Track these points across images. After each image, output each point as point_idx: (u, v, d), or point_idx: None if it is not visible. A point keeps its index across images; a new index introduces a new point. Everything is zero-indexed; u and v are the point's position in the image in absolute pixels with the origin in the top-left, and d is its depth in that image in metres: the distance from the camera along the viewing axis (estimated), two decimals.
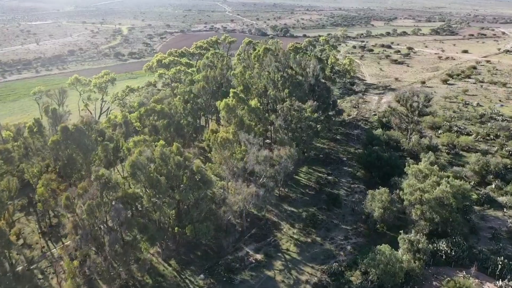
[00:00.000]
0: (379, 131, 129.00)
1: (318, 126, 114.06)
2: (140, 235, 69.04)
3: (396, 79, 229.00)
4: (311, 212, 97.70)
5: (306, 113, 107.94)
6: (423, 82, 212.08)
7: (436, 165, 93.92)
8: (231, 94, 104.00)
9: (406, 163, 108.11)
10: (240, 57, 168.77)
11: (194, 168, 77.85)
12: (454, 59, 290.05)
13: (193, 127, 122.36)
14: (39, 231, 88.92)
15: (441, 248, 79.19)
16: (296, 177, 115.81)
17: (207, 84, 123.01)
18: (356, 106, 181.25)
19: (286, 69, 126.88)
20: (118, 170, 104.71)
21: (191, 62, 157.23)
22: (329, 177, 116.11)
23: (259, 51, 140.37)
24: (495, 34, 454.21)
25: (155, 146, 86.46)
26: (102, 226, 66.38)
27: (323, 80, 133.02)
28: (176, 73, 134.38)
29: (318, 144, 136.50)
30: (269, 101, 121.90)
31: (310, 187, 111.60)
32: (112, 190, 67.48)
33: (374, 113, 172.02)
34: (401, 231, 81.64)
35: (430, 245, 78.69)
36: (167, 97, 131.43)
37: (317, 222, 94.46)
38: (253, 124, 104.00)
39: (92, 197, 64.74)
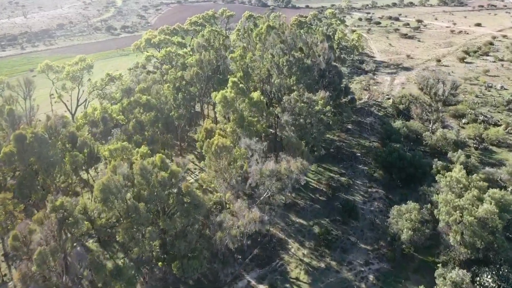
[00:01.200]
0: (398, 123, 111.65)
1: (330, 120, 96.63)
2: (114, 281, 53.10)
3: (408, 56, 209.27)
4: (323, 226, 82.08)
5: (317, 106, 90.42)
6: (439, 61, 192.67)
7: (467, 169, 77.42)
8: (229, 84, 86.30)
9: (433, 165, 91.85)
10: (240, 34, 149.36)
11: (183, 189, 61.31)
12: (467, 33, 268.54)
13: (185, 119, 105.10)
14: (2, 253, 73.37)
15: (486, 284, 63.66)
16: (304, 177, 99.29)
17: (201, 69, 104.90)
18: (367, 88, 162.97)
19: (293, 51, 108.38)
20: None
21: (184, 41, 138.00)
22: (342, 178, 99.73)
23: (261, 29, 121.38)
24: (505, 5, 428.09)
25: (137, 153, 69.67)
26: (60, 275, 50.37)
27: (334, 63, 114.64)
28: (166, 56, 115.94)
29: (327, 136, 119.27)
30: (273, 89, 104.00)
31: (321, 191, 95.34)
32: (73, 226, 51.07)
33: (387, 96, 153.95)
34: (437, 263, 66.08)
35: (472, 282, 63.18)
36: (156, 83, 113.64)
37: (331, 240, 78.77)
38: (255, 120, 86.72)
39: (46, 239, 48.41)
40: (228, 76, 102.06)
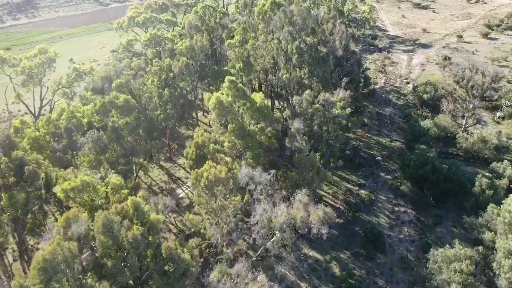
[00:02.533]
0: (428, 123, 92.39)
1: (349, 122, 77.58)
2: None
3: (424, 30, 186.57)
4: (344, 263, 65.13)
5: (336, 109, 71.31)
6: (460, 36, 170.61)
7: None
8: (226, 84, 66.84)
9: (477, 182, 73.61)
10: (239, 8, 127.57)
11: (163, 252, 43.44)
12: (485, 3, 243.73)
13: (174, 118, 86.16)
14: None
15: None
16: (318, 190, 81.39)
17: (192, 58, 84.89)
18: (383, 70, 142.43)
19: (303, 34, 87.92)
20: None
21: (174, 19, 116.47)
22: (362, 192, 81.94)
23: (264, 5, 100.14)
24: None
25: (106, 186, 51.64)
26: None
27: (352, 48, 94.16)
28: (151, 40, 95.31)
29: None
30: (280, 83, 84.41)
31: (338, 209, 77.64)
32: None
33: (406, 80, 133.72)
34: None
35: None
36: (141, 70, 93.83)
37: (354, 285, 61.84)
38: (259, 129, 67.90)
39: None
40: (226, 68, 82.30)
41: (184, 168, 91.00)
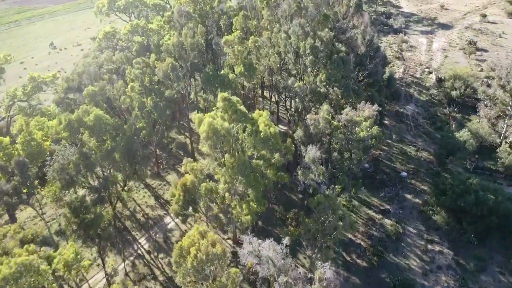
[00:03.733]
0: (464, 134, 75.99)
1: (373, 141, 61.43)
2: None
3: (442, 7, 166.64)
4: None
5: (361, 131, 55.27)
6: (484, 16, 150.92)
7: None
8: (220, 104, 50.39)
9: None
10: None
11: None
12: None
13: (160, 133, 70.19)
14: None
15: None
16: None
17: (181, 58, 67.90)
18: (400, 57, 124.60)
19: (316, 25, 70.75)
20: None
21: (163, 2, 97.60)
22: (387, 222, 67.16)
23: None
24: None
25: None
26: None
27: (376, 42, 76.49)
28: (132, 31, 77.61)
29: None
30: (289, 93, 68.00)
31: (359, 247, 63.07)
32: None
33: (427, 69, 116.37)
34: None
35: None
36: (124, 64, 77.22)
37: None
38: (263, 163, 52.12)
39: None
40: (223, 71, 65.57)
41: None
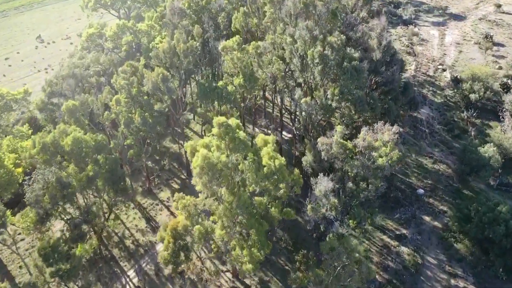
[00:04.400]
0: (489, 150, 67.40)
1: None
2: None
3: None
4: None
5: (380, 159, 47.16)
6: (498, 6, 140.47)
7: None
8: (215, 130, 42.11)
9: None
10: None
11: None
12: None
13: (150, 154, 61.99)
14: None
15: None
16: None
17: (172, 66, 59.21)
18: (411, 52, 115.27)
19: (326, 32, 61.96)
20: None
21: None
22: (404, 250, 59.73)
23: None
24: None
25: None
26: None
27: (393, 47, 67.30)
28: (118, 33, 68.38)
29: None
30: (294, 108, 59.54)
31: (374, 282, 55.55)
32: None
33: (440, 66, 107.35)
34: None
35: None
36: (113, 67, 68.60)
37: None
38: (266, 198, 44.19)
39: None
40: (220, 83, 56.94)
41: (168, 208, 68.08)
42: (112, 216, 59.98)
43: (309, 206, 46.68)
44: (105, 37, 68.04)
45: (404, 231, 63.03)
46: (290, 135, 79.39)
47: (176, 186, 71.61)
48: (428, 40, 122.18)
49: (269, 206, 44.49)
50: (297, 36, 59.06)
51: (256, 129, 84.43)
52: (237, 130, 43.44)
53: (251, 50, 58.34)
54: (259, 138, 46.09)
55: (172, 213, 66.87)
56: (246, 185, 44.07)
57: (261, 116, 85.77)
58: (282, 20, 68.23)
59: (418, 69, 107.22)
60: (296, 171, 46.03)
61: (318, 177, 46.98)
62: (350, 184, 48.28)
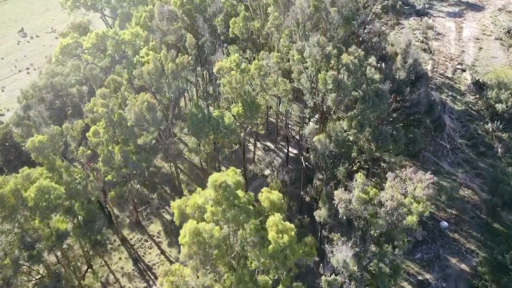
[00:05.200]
0: None
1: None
2: None
3: None
4: None
5: (411, 218, 38.03)
6: None
7: None
8: (210, 192, 32.91)
9: None
10: None
11: None
12: None
13: (135, 192, 52.66)
14: None
15: None
16: None
17: (159, 90, 49.32)
18: (427, 48, 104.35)
19: (341, 43, 52.15)
20: None
21: None
22: None
23: None
24: None
25: None
26: None
27: (420, 66, 56.97)
28: (97, 44, 57.70)
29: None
30: (306, 143, 49.99)
31: None
32: None
33: (459, 65, 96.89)
34: None
35: None
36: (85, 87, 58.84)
37: None
38: (272, 275, 35.34)
39: None
40: (216, 113, 47.17)
41: (158, 244, 59.41)
42: (92, 268, 51.41)
43: (323, 279, 37.95)
44: (83, 49, 57.70)
45: (427, 276, 54.57)
46: (296, 151, 69.90)
47: (168, 217, 62.82)
48: (444, 34, 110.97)
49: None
50: (306, 55, 48.96)
51: (258, 144, 74.95)
52: (238, 190, 34.27)
53: (253, 71, 48.35)
54: (263, 196, 36.80)
55: (162, 252, 58.39)
56: (247, 257, 35.17)
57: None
58: (288, 26, 57.96)
59: (434, 69, 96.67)
60: (309, 240, 37.10)
61: (335, 242, 38.14)
62: (373, 248, 39.33)
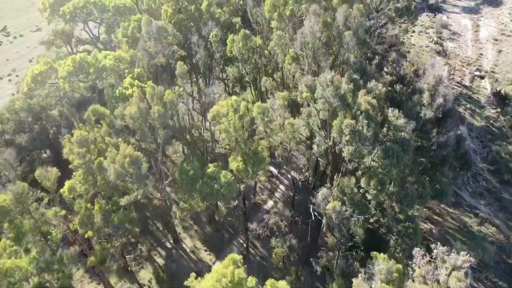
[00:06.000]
0: None
1: None
2: None
3: None
4: None
5: None
6: None
7: None
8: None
9: None
10: None
11: None
12: None
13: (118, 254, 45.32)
14: None
15: None
16: None
17: (143, 139, 41.49)
18: (442, 51, 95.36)
19: (356, 78, 44.12)
20: None
21: (132, 1, 66.28)
22: None
23: None
24: None
25: None
26: None
27: (451, 105, 48.57)
28: (76, 71, 48.96)
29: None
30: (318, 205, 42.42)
31: None
32: None
33: (477, 71, 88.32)
34: None
35: None
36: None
37: None
38: None
39: None
40: (210, 168, 39.53)
41: None
42: None
43: None
44: (57, 75, 48.99)
45: None
46: (302, 178, 61.86)
47: (160, 261, 55.98)
48: (459, 34, 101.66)
49: None
50: (318, 95, 40.91)
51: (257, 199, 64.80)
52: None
53: (255, 114, 40.40)
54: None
55: None
56: None
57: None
58: (296, 59, 49.58)
59: (451, 76, 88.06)
60: None
61: None
62: None
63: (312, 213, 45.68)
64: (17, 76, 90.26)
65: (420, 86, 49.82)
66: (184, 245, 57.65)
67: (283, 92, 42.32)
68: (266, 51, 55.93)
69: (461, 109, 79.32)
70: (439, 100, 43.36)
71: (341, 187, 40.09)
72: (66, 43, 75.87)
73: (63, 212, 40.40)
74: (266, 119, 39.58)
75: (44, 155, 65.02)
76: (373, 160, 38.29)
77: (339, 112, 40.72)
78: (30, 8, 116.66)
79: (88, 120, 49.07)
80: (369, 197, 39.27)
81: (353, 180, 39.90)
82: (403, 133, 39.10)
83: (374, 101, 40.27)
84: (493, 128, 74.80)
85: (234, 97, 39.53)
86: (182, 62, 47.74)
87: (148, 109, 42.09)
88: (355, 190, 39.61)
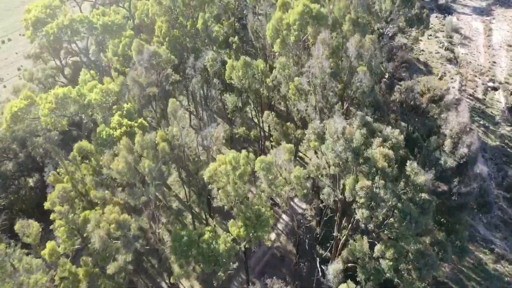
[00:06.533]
0: None
1: None
2: None
3: None
4: None
5: None
6: None
7: None
8: None
9: None
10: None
11: None
12: None
13: None
14: None
15: None
16: None
17: (131, 197, 36.69)
18: (453, 58, 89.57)
19: (370, 123, 39.11)
20: None
21: (122, 18, 60.11)
22: None
23: (286, 16, 49.04)
24: None
25: None
26: None
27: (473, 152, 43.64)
28: (59, 108, 43.69)
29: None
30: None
31: None
32: None
33: (490, 82, 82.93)
34: None
35: None
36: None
37: None
38: None
39: None
40: (206, 234, 35.08)
41: None
42: None
43: None
44: (39, 113, 43.75)
45: None
46: (307, 223, 57.17)
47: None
48: (471, 39, 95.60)
49: None
50: (327, 148, 36.00)
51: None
52: None
53: (257, 168, 35.55)
54: None
55: None
56: None
57: None
58: (301, 91, 44.47)
59: (463, 87, 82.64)
60: None
61: None
62: None
63: (318, 267, 41.31)
64: (4, 87, 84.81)
65: (439, 123, 44.89)
66: (181, 287, 53.55)
67: (288, 144, 37.23)
68: (268, 80, 50.57)
69: (474, 126, 74.26)
70: (463, 150, 38.49)
71: (352, 251, 35.65)
72: (54, 56, 70.51)
73: (44, 279, 35.96)
74: (270, 177, 34.79)
75: (31, 183, 60.43)
76: (390, 228, 33.72)
77: (351, 166, 35.91)
78: (20, 8, 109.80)
79: (74, 160, 44.30)
80: (383, 266, 34.79)
81: (365, 243, 35.40)
82: (423, 194, 34.36)
83: (391, 153, 35.45)
84: (508, 149, 69.99)
85: (232, 154, 34.47)
86: (175, 99, 42.51)
87: (138, 160, 37.24)
88: (368, 254, 35.16)
